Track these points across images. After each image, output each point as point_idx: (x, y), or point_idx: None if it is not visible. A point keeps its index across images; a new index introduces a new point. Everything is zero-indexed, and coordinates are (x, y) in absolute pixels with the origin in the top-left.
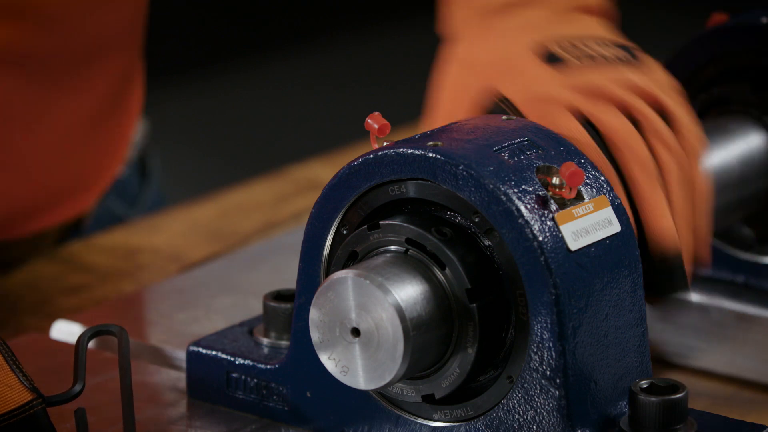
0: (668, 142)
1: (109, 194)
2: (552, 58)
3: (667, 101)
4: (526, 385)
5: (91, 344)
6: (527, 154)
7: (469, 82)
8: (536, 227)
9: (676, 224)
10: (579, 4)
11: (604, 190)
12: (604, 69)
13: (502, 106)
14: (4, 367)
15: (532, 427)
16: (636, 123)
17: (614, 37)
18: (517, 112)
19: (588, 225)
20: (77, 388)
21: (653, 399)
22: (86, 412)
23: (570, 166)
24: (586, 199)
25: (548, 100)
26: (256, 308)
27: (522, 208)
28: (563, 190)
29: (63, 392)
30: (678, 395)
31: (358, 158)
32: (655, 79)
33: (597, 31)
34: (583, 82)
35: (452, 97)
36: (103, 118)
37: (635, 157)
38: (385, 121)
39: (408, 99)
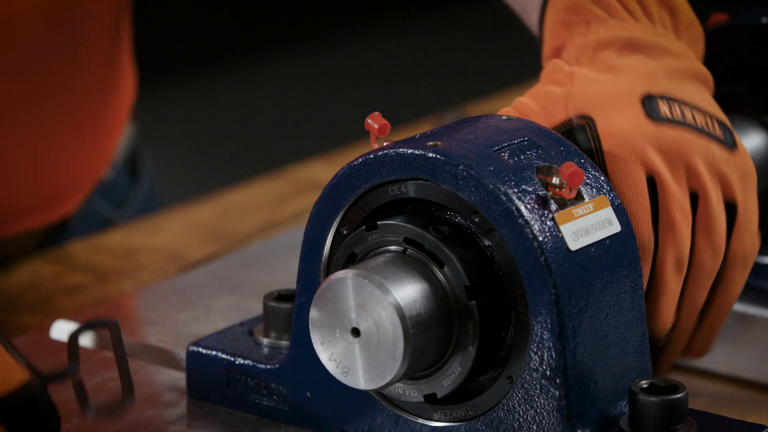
0: (716, 243)
1: (95, 196)
2: (652, 106)
3: (739, 196)
4: (526, 385)
5: (90, 344)
6: (527, 154)
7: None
8: (536, 227)
9: (681, 316)
10: (694, 71)
11: (604, 190)
12: (696, 137)
13: (585, 125)
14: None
15: (532, 427)
16: (696, 202)
17: (720, 115)
18: (596, 139)
19: (588, 225)
20: (72, 366)
21: (653, 399)
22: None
23: (570, 166)
24: (586, 199)
25: (628, 144)
26: (256, 308)
27: (522, 208)
28: (563, 190)
29: (60, 369)
30: (678, 395)
31: (358, 158)
32: (740, 170)
33: (707, 103)
34: (669, 138)
35: (544, 100)
36: (90, 123)
37: (674, 242)
38: (385, 121)
39: (408, 99)
